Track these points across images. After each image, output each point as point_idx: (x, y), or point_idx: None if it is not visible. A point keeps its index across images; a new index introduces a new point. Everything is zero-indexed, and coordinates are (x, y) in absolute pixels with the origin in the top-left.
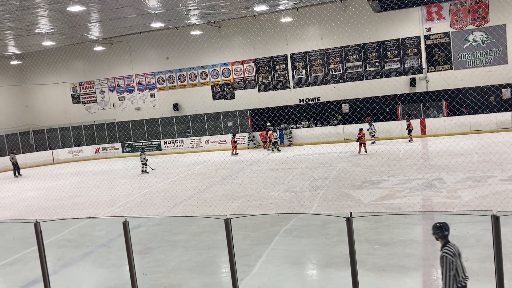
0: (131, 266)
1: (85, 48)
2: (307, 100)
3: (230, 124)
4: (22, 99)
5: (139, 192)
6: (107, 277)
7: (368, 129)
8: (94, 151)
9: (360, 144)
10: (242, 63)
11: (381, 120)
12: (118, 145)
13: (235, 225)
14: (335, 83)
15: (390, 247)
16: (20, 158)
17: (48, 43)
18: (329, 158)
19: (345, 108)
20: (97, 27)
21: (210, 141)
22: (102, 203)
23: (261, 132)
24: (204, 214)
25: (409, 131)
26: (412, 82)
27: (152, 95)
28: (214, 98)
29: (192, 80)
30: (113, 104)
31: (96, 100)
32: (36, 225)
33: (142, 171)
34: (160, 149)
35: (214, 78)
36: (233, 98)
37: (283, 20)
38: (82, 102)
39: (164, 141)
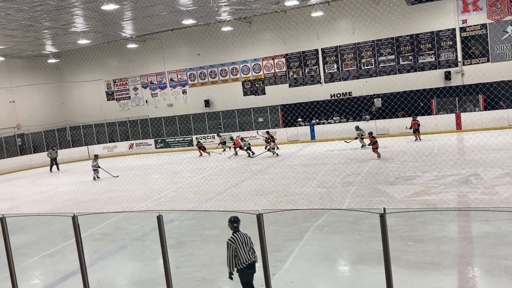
0: (165, 260)
1: (119, 46)
2: (338, 95)
3: (260, 120)
4: (59, 97)
5: (172, 187)
6: (142, 270)
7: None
8: (128, 146)
9: (374, 149)
10: (272, 59)
11: (416, 115)
12: (151, 141)
13: (267, 220)
14: (367, 77)
15: (424, 244)
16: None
17: (83, 41)
18: (361, 154)
19: (378, 102)
20: (130, 25)
21: (241, 137)
22: (136, 197)
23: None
24: (235, 209)
25: (415, 130)
26: (447, 76)
27: (184, 92)
28: (245, 94)
29: (223, 76)
30: (146, 100)
31: (129, 97)
32: (74, 218)
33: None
34: (192, 145)
35: (245, 74)
36: (264, 93)
37: (314, 14)
38: (116, 99)
39: (196, 137)
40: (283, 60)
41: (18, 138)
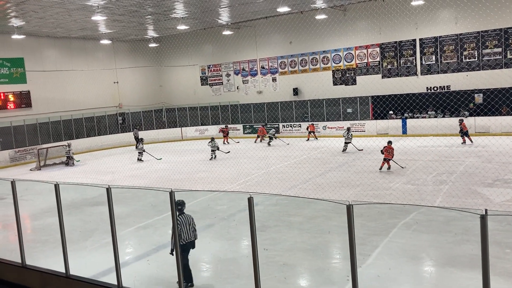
0: (253, 240)
1: (215, 32)
2: (435, 88)
3: (349, 110)
4: (157, 79)
5: (257, 172)
6: (227, 249)
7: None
8: (218, 130)
9: (385, 160)
10: (366, 48)
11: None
12: (239, 126)
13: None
14: (468, 71)
15: None
16: (153, 134)
17: (182, 27)
18: (456, 152)
19: (479, 98)
20: (226, 12)
21: (328, 127)
22: (224, 179)
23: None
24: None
25: (465, 133)
26: None
27: (274, 79)
28: (335, 83)
29: (313, 65)
30: (237, 87)
31: (222, 82)
32: (171, 194)
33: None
34: (278, 132)
35: (336, 63)
36: (354, 84)
37: (413, 3)
38: (210, 84)
39: (283, 125)
40: (377, 49)
41: (119, 116)
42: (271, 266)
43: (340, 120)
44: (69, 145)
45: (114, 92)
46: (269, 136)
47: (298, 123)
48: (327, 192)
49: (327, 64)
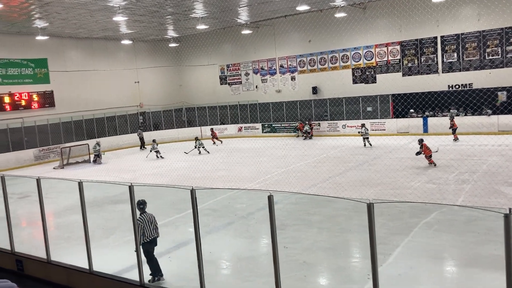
0: (273, 238)
1: (234, 31)
2: (457, 86)
3: (369, 109)
4: (177, 79)
5: (277, 171)
6: (246, 247)
7: (359, 132)
8: (237, 129)
9: (429, 157)
10: (386, 46)
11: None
12: (258, 125)
13: None
14: (491, 68)
15: None
16: (173, 133)
17: (201, 27)
18: (479, 151)
19: (502, 96)
20: (246, 11)
21: (348, 126)
22: (243, 178)
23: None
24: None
25: (454, 130)
26: None
27: (293, 78)
28: (354, 82)
29: (332, 63)
30: (256, 86)
31: (241, 81)
32: (192, 191)
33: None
34: (296, 131)
35: (356, 61)
36: (374, 82)
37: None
38: (229, 83)
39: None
40: (398, 47)
41: (140, 115)
42: (290, 265)
43: (360, 119)
44: (98, 144)
45: (135, 91)
46: (305, 131)
47: (317, 122)
48: (347, 191)
49: (346, 62)
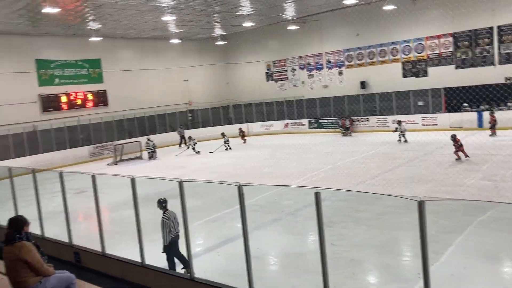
0: (321, 235)
1: (280, 28)
2: None
3: (420, 103)
4: (224, 76)
5: (323, 168)
6: (293, 244)
7: (396, 128)
8: (283, 126)
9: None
10: (437, 38)
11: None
12: (305, 121)
13: None
14: None
15: None
16: (221, 130)
17: (248, 24)
18: None
19: None
20: (292, 6)
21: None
22: (290, 174)
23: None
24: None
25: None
26: None
27: (340, 73)
28: (404, 75)
29: (381, 57)
30: (303, 81)
31: (287, 77)
32: (239, 188)
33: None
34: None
35: (406, 55)
36: (425, 75)
37: None
38: (275, 79)
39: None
40: (450, 39)
41: (189, 113)
42: (338, 262)
43: (411, 114)
44: (150, 140)
45: (183, 89)
46: (346, 127)
47: (366, 117)
48: (396, 188)
49: (396, 55)
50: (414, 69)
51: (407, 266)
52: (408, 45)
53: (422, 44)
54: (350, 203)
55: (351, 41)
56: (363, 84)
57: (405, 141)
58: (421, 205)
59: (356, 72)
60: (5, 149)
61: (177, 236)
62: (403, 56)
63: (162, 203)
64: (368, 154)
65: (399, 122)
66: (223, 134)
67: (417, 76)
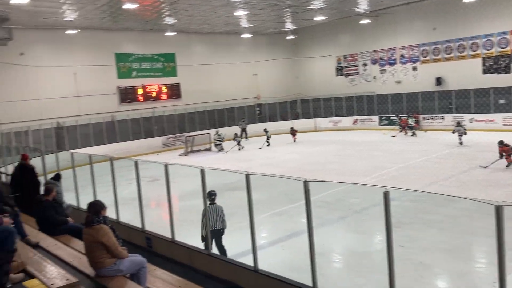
0: (388, 235)
1: (352, 22)
2: None
3: (502, 101)
4: (293, 71)
5: (393, 166)
6: (359, 242)
7: (453, 131)
8: (352, 122)
9: (503, 155)
10: None
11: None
12: (375, 118)
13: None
14: None
15: None
16: (288, 125)
17: (319, 18)
18: None
19: None
20: (365, 0)
21: (475, 120)
22: (357, 172)
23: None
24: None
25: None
26: None
27: (414, 68)
28: (485, 72)
29: (460, 52)
30: (374, 76)
31: (358, 72)
32: (305, 183)
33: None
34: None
35: (487, 50)
36: (508, 72)
37: None
38: (345, 74)
39: (423, 117)
40: None
41: (257, 107)
42: (405, 264)
43: (490, 113)
44: (219, 133)
45: (252, 84)
46: (409, 126)
47: (440, 115)
48: (471, 191)
49: (476, 50)
50: (496, 65)
51: (481, 273)
52: (490, 40)
53: (506, 38)
54: (421, 204)
55: (427, 35)
56: (438, 81)
57: (461, 143)
58: (499, 209)
59: (431, 67)
60: (86, 137)
61: (216, 231)
62: (484, 51)
63: (211, 196)
64: (441, 154)
65: (458, 124)
66: (265, 130)
67: (499, 73)
